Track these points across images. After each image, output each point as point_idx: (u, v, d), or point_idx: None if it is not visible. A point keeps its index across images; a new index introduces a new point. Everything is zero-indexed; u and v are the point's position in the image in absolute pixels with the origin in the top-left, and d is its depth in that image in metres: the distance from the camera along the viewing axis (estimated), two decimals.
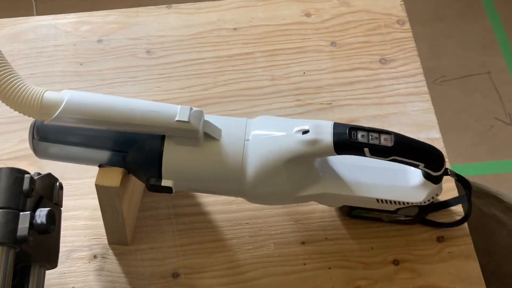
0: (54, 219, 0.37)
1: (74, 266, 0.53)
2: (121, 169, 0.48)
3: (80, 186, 0.57)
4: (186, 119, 0.44)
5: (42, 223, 0.35)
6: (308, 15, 0.69)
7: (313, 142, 0.45)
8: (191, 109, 0.45)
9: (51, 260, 0.39)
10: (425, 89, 0.64)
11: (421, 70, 0.65)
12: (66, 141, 0.48)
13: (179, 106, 0.45)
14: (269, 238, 0.54)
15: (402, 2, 0.70)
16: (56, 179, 0.44)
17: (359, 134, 0.45)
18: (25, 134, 0.60)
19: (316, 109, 0.63)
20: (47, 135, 0.47)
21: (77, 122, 0.45)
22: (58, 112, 0.43)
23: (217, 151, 0.46)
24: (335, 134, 0.44)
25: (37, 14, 0.68)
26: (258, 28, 0.68)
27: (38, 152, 0.48)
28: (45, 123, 0.45)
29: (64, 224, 0.55)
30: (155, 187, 0.47)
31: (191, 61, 0.66)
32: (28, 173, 0.38)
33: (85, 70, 0.65)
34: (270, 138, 0.46)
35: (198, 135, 0.45)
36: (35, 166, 0.58)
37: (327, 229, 0.55)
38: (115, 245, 0.54)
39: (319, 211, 0.56)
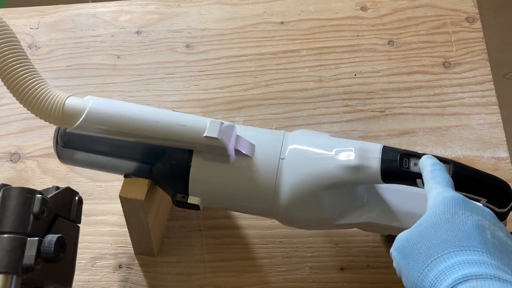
0: (64, 246, 0.34)
1: (99, 275, 0.51)
2: (148, 180, 0.45)
3: (110, 189, 0.55)
4: (215, 135, 0.40)
5: (49, 252, 0.32)
6: (364, 9, 0.62)
7: (357, 168, 0.39)
8: (222, 123, 0.41)
9: (65, 282, 0.37)
10: (494, 99, 0.56)
11: (490, 77, 0.57)
12: (90, 149, 0.45)
13: (209, 120, 0.41)
14: (304, 260, 0.50)
15: None
16: (75, 193, 0.41)
17: (412, 162, 0.39)
18: None
19: (367, 116, 0.56)
20: (70, 142, 0.44)
21: (99, 132, 0.41)
22: (79, 121, 0.40)
23: (249, 169, 0.42)
24: (383, 161, 0.39)
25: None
26: (307, 23, 0.62)
27: (62, 158, 0.46)
28: (67, 131, 0.42)
29: (91, 229, 0.53)
30: (181, 204, 0.44)
31: (232, 58, 0.61)
32: (40, 193, 0.35)
33: (122, 63, 0.62)
34: (308, 159, 0.41)
35: (228, 152, 0.41)
36: (66, 165, 0.56)
37: (369, 256, 0.50)
38: (141, 255, 0.52)
39: (362, 235, 0.50)
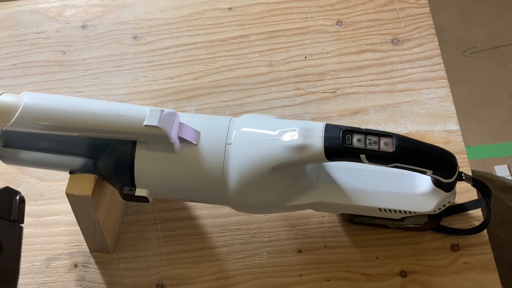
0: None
1: (54, 276, 0.50)
2: (94, 176, 0.44)
3: (61, 188, 0.53)
4: (155, 124, 0.39)
5: None
6: None
7: (301, 147, 0.39)
8: (162, 111, 0.40)
9: (7, 285, 0.36)
10: (443, 73, 0.56)
11: (438, 51, 0.57)
12: (32, 147, 0.43)
13: (148, 108, 0.40)
14: (262, 246, 0.49)
15: None
16: (16, 193, 0.40)
17: (355, 138, 0.38)
18: None
19: (319, 98, 0.56)
20: (11, 141, 0.43)
21: (37, 128, 0.40)
22: (14, 118, 0.39)
23: (195, 157, 0.41)
24: (326, 138, 0.38)
25: None
26: (255, 7, 0.61)
27: (5, 158, 0.44)
28: (3, 129, 0.41)
29: (43, 230, 0.52)
30: (129, 197, 0.43)
31: (181, 47, 0.60)
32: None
33: (68, 59, 0.60)
34: (253, 142, 0.41)
35: (172, 140, 0.40)
36: (15, 167, 0.55)
37: (326, 236, 0.50)
38: (97, 253, 0.50)
39: (318, 216, 0.50)
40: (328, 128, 0.39)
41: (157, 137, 0.40)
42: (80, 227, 0.48)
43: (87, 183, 0.44)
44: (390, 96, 0.56)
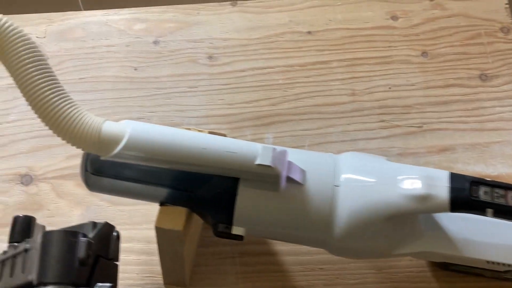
0: None
1: None
2: (185, 209, 0.41)
3: (134, 214, 0.51)
4: (268, 163, 0.36)
5: None
6: (394, 18, 0.59)
7: (424, 198, 0.36)
8: (274, 149, 0.37)
9: None
10: None
11: None
12: (124, 176, 0.41)
13: (260, 146, 0.37)
14: None
15: (507, 5, 0.59)
16: (112, 228, 0.37)
17: (482, 190, 0.36)
18: (73, 149, 0.54)
19: (404, 132, 0.54)
20: (102, 169, 0.40)
21: (138, 159, 0.38)
22: (118, 149, 0.36)
23: (301, 198, 0.39)
24: (453, 189, 0.36)
25: (84, 9, 0.61)
26: (335, 33, 0.59)
27: (91, 185, 0.42)
28: (101, 158, 0.38)
29: None
30: (224, 234, 0.40)
31: (258, 70, 0.58)
32: (84, 235, 0.31)
33: (139, 76, 0.58)
34: (367, 187, 0.38)
35: (281, 180, 0.37)
36: (83, 187, 0.52)
37: (415, 281, 0.47)
38: (172, 286, 0.48)
39: (406, 260, 0.47)
40: (454, 177, 0.37)
41: (266, 176, 0.37)
42: (160, 260, 0.45)
43: (179, 217, 0.41)
44: (479, 135, 0.53)
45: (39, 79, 0.35)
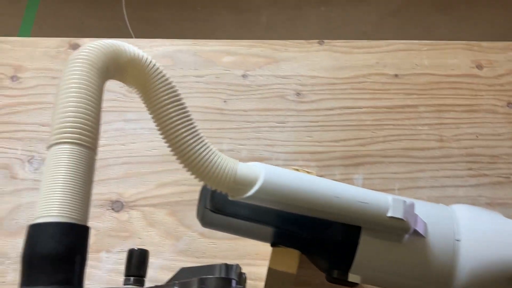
0: None
1: None
2: (297, 251, 0.42)
3: (224, 247, 0.51)
4: (400, 216, 0.37)
5: None
6: (479, 67, 0.61)
7: None
8: (405, 202, 0.38)
9: None
10: None
11: None
12: (242, 216, 0.41)
13: (390, 198, 0.38)
14: None
15: None
16: (240, 270, 0.37)
17: None
18: (165, 177, 0.54)
19: (492, 182, 0.54)
20: (223, 208, 0.41)
21: (268, 203, 0.38)
22: (252, 192, 0.37)
23: (423, 251, 0.39)
24: None
25: (135, 37, 0.61)
26: (422, 77, 0.60)
27: (206, 222, 0.42)
28: (230, 199, 0.38)
29: None
30: (338, 280, 0.41)
31: (346, 109, 0.58)
32: (236, 280, 0.32)
33: (229, 108, 0.58)
34: (489, 244, 0.39)
35: (410, 233, 0.38)
36: (175, 216, 0.52)
37: None
38: None
39: None
40: None
41: (395, 229, 0.38)
42: None
43: (292, 259, 0.42)
44: None
45: (178, 120, 0.35)
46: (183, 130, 0.35)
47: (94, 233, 0.51)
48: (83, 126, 0.30)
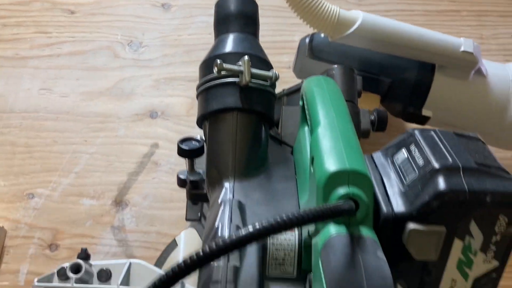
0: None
1: None
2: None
3: None
4: (471, 50, 0.46)
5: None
6: None
7: None
8: (473, 42, 0.47)
9: None
10: None
11: None
12: (333, 61, 0.50)
13: (462, 38, 0.47)
14: None
15: None
16: None
17: None
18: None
19: None
20: (321, 54, 0.50)
21: (363, 43, 0.47)
22: (352, 30, 0.46)
23: (484, 87, 0.48)
24: None
25: None
26: None
27: (302, 70, 0.51)
28: (330, 40, 0.47)
29: None
30: (412, 116, 0.50)
31: (400, 12, 0.68)
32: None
33: None
34: None
35: (476, 67, 0.47)
36: None
37: None
38: None
39: None
40: None
41: (465, 63, 0.47)
42: None
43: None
44: None
45: None
46: None
47: None
48: None
